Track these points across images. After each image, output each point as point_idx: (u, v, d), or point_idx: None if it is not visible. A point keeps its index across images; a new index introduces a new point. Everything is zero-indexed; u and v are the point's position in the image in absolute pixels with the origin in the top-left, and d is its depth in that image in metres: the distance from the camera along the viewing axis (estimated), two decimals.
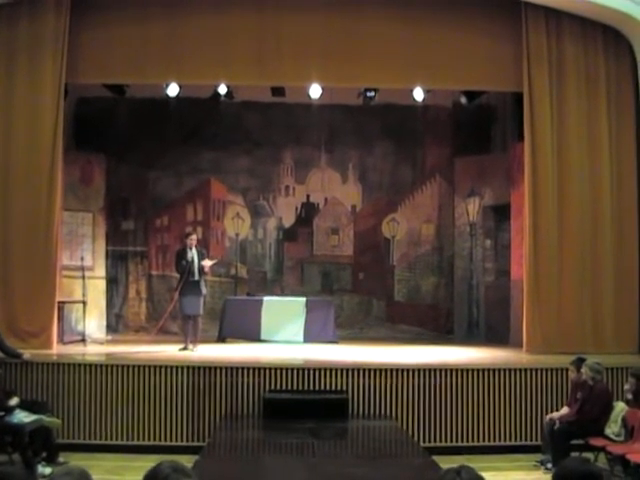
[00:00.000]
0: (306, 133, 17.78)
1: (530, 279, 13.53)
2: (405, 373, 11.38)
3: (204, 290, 14.19)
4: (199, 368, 11.35)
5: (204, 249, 14.90)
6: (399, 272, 18.18)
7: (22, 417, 9.78)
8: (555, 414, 10.57)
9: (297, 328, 15.78)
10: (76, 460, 9.77)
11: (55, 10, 13.20)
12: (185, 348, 13.64)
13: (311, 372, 11.37)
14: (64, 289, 14.71)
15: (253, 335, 15.65)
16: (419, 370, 11.43)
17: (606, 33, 13.83)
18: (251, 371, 11.31)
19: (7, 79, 13.25)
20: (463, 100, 15.77)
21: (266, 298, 16.38)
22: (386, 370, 11.41)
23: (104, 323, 16.73)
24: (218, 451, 9.44)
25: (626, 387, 10.40)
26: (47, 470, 9.41)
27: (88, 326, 15.30)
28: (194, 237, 14.43)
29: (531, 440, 11.22)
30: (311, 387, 11.31)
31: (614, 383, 11.32)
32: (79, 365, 11.40)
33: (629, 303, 13.63)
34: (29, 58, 13.26)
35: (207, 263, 14.11)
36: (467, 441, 11.26)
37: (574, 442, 9.97)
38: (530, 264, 13.53)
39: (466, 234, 17.65)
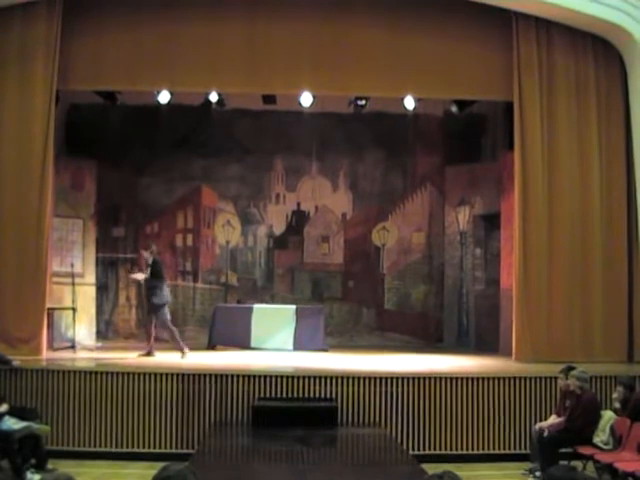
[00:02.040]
0: (297, 141, 17.78)
1: (520, 288, 13.57)
2: (394, 381, 11.39)
3: (154, 299, 14.06)
4: (189, 375, 11.34)
5: (157, 261, 14.51)
6: (389, 280, 18.19)
7: (11, 424, 9.75)
8: (544, 423, 10.59)
9: (287, 336, 15.76)
10: (65, 467, 9.75)
11: (47, 17, 13.20)
12: (149, 353, 13.73)
13: (301, 380, 11.37)
14: (54, 295, 14.71)
15: (243, 343, 15.62)
16: (408, 378, 11.44)
17: (596, 43, 13.89)
18: (241, 379, 11.31)
19: None
20: (454, 109, 15.80)
21: (256, 306, 16.37)
22: (375, 378, 11.42)
23: (94, 330, 16.73)
24: (207, 458, 9.41)
25: (614, 396, 10.45)
26: (36, 477, 9.37)
27: (78, 333, 15.27)
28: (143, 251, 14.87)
29: (520, 448, 11.23)
30: (301, 395, 11.32)
31: (603, 392, 11.37)
32: (69, 372, 11.38)
33: (618, 312, 13.66)
34: (21, 64, 13.26)
35: (134, 276, 14.37)
36: (456, 449, 11.27)
37: (563, 450, 9.99)
38: (520, 273, 13.57)
39: (456, 243, 17.68)
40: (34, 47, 13.22)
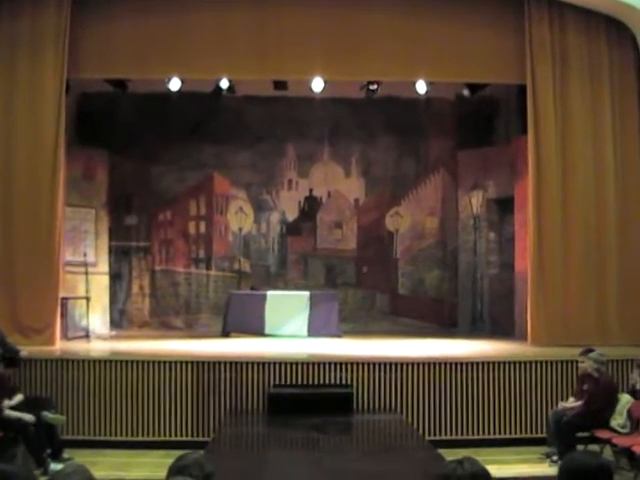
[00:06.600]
0: (309, 127, 17.72)
1: (534, 271, 13.51)
2: (409, 367, 11.35)
3: None
4: (203, 363, 11.32)
5: None
6: (403, 265, 18.14)
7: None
8: (567, 403, 10.54)
9: (301, 322, 15.76)
10: (81, 457, 9.74)
11: (57, 5, 13.16)
12: None
13: (315, 366, 11.34)
14: (67, 285, 14.70)
15: (257, 330, 15.62)
16: (423, 364, 11.40)
17: (609, 24, 13.78)
18: (255, 366, 11.28)
19: (9, 75, 13.20)
20: (466, 93, 15.73)
21: (270, 292, 16.36)
22: (390, 364, 11.38)
23: (108, 319, 16.74)
24: (223, 446, 9.42)
25: (631, 379, 10.39)
26: (58, 466, 9.33)
27: (92, 322, 15.33)
28: None
29: (536, 432, 11.18)
30: (316, 382, 11.29)
31: (619, 375, 11.32)
32: (83, 361, 11.38)
33: (634, 294, 13.58)
34: (31, 53, 13.22)
35: None
36: (472, 434, 11.24)
37: (580, 434, 9.95)
38: (534, 257, 13.51)
39: (470, 227, 17.62)
40: (44, 36, 13.18)
